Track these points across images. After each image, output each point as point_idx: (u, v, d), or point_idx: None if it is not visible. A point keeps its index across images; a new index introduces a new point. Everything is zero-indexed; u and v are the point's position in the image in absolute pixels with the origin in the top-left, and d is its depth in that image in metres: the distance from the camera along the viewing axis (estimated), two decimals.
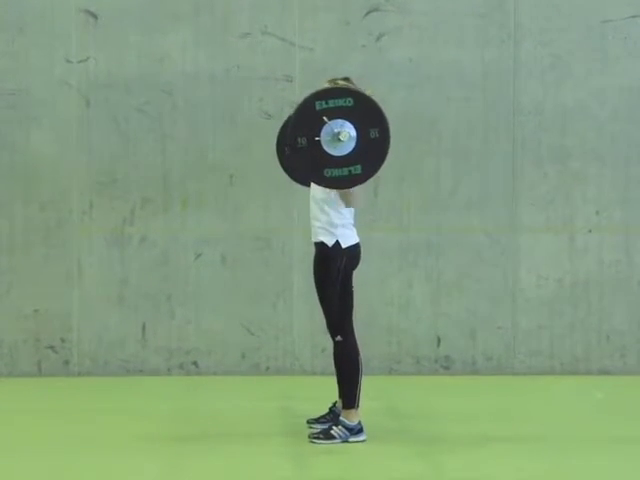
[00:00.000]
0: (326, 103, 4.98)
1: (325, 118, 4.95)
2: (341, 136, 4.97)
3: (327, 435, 5.31)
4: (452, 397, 6.55)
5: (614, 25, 7.10)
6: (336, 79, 5.39)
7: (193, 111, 7.05)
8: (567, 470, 4.94)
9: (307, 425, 5.55)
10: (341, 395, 5.41)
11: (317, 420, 5.55)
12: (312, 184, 5.33)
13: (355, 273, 5.25)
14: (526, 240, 7.14)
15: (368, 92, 5.33)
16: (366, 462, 5.05)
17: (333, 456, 5.11)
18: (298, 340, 7.05)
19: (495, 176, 7.12)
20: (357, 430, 5.32)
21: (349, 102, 4.99)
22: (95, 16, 7.01)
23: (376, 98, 5.31)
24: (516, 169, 7.13)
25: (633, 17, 7.10)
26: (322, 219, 5.29)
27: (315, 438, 5.31)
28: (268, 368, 7.10)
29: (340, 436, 5.30)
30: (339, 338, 5.34)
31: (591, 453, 5.20)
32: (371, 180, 6.94)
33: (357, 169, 5.01)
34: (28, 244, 7.02)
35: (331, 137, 4.97)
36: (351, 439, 5.30)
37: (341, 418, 5.33)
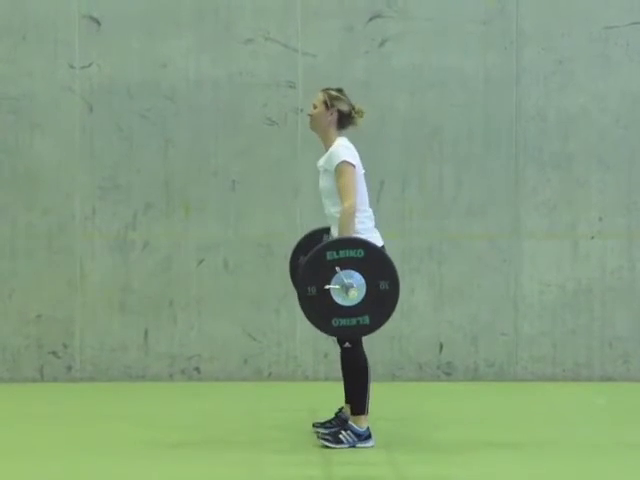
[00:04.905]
0: (337, 253, 5.03)
1: (338, 268, 5.00)
2: (350, 294, 5.02)
3: (336, 439, 5.31)
4: (454, 403, 6.55)
5: (616, 31, 7.11)
6: (329, 89, 5.43)
7: (196, 117, 7.06)
8: (568, 475, 4.94)
9: (313, 429, 5.55)
10: (349, 401, 5.41)
11: (323, 424, 5.55)
12: (320, 179, 5.37)
13: None
14: (528, 246, 7.14)
15: (357, 106, 5.37)
16: (369, 467, 5.05)
17: (341, 461, 5.10)
18: (300, 346, 7.05)
19: (497, 182, 7.13)
20: (365, 436, 5.32)
21: (360, 253, 5.04)
22: (98, 22, 7.03)
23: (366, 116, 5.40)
24: (519, 175, 7.13)
25: (635, 23, 7.11)
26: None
27: (324, 439, 5.31)
28: (270, 374, 7.10)
29: (348, 441, 5.30)
30: (347, 345, 5.33)
31: (593, 458, 5.20)
32: (374, 185, 6.99)
33: (365, 320, 5.07)
34: (30, 249, 7.03)
35: (340, 287, 5.02)
36: (359, 445, 5.30)
37: (350, 423, 5.34)
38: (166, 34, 7.04)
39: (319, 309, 5.03)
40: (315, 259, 5.04)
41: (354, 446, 5.29)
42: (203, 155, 7.08)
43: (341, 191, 5.22)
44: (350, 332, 5.10)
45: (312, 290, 5.01)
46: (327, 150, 5.36)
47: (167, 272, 7.08)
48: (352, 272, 5.03)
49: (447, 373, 7.15)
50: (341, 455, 5.19)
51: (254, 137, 7.07)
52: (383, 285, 5.04)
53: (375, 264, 5.04)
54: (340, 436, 5.30)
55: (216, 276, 7.09)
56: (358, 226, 5.27)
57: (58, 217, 7.04)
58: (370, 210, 5.39)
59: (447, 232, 7.13)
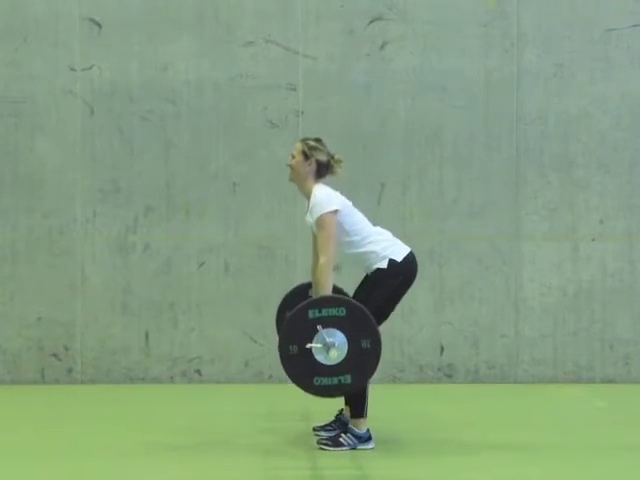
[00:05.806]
0: (319, 312, 4.98)
1: (319, 327, 4.96)
2: (330, 353, 4.97)
3: (335, 442, 5.30)
4: (455, 405, 6.55)
5: (617, 34, 7.11)
6: (307, 139, 5.39)
7: (196, 119, 7.06)
8: (569, 477, 4.94)
9: (313, 433, 5.55)
10: (349, 404, 5.40)
11: (323, 427, 5.55)
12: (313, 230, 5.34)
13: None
14: (529, 248, 7.14)
15: (336, 156, 5.32)
16: (370, 469, 5.05)
17: (336, 465, 5.10)
18: None
19: (498, 184, 7.13)
20: (366, 438, 5.32)
21: (342, 312, 4.99)
22: (99, 25, 7.04)
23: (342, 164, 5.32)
24: (519, 177, 7.13)
25: (636, 26, 7.12)
26: (366, 253, 5.26)
27: (324, 445, 5.31)
28: (271, 376, 7.10)
29: (348, 444, 5.29)
30: None
31: (593, 461, 5.19)
32: (375, 188, 7.00)
33: (347, 379, 5.02)
34: (31, 252, 7.03)
35: (322, 345, 4.98)
36: (359, 447, 5.30)
37: (350, 426, 5.33)
38: (167, 37, 7.05)
39: (301, 368, 4.98)
40: (297, 317, 4.99)
41: (355, 448, 5.29)
42: (204, 158, 7.08)
43: (320, 245, 5.21)
44: (332, 391, 5.06)
45: (294, 349, 4.97)
46: (307, 198, 5.33)
47: (168, 275, 7.08)
48: (334, 330, 4.98)
49: (448, 375, 7.15)
50: (337, 459, 5.18)
51: (255, 139, 7.07)
52: (365, 343, 4.98)
53: (357, 322, 4.98)
54: (340, 439, 5.30)
55: (217, 278, 7.09)
56: (376, 247, 5.25)
57: (59, 220, 7.04)
58: (376, 227, 5.35)
59: (448, 234, 7.14)
